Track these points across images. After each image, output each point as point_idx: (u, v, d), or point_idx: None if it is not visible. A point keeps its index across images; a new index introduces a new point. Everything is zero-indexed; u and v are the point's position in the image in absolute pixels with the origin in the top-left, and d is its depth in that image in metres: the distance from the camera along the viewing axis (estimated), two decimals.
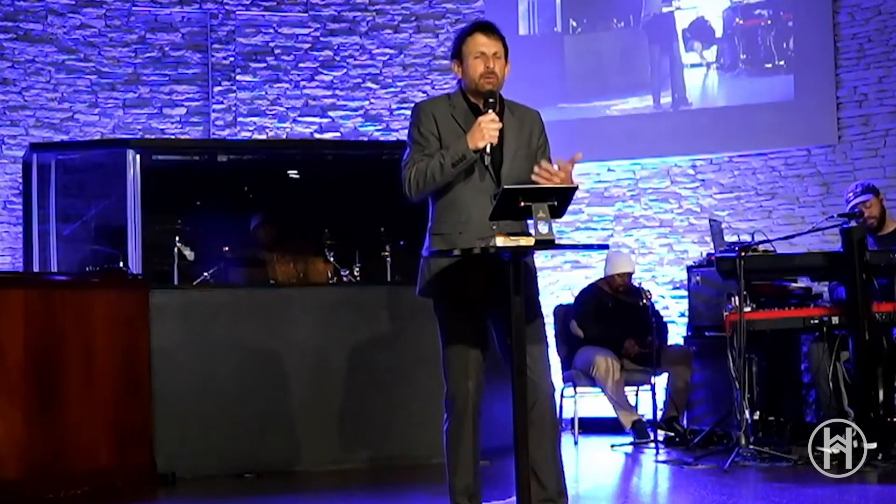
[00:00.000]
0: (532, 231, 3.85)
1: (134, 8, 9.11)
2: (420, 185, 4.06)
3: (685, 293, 7.85)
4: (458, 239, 4.06)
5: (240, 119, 9.19)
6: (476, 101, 4.15)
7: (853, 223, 6.51)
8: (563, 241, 3.88)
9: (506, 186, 3.86)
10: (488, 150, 4.01)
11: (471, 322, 4.16)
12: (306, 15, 9.38)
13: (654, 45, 9.06)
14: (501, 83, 4.14)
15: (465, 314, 4.15)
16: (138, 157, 7.12)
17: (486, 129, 3.98)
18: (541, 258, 8.59)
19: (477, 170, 4.08)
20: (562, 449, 4.29)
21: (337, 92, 9.34)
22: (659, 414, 7.40)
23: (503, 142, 4.10)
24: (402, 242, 7.71)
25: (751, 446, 6.18)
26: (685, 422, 7.40)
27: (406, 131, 4.27)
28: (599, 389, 7.40)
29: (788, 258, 6.79)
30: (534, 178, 3.96)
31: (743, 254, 6.27)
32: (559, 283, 9.00)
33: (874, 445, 5.79)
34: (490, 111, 4.02)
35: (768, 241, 6.66)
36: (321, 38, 9.38)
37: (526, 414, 3.90)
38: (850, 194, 6.89)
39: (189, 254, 7.25)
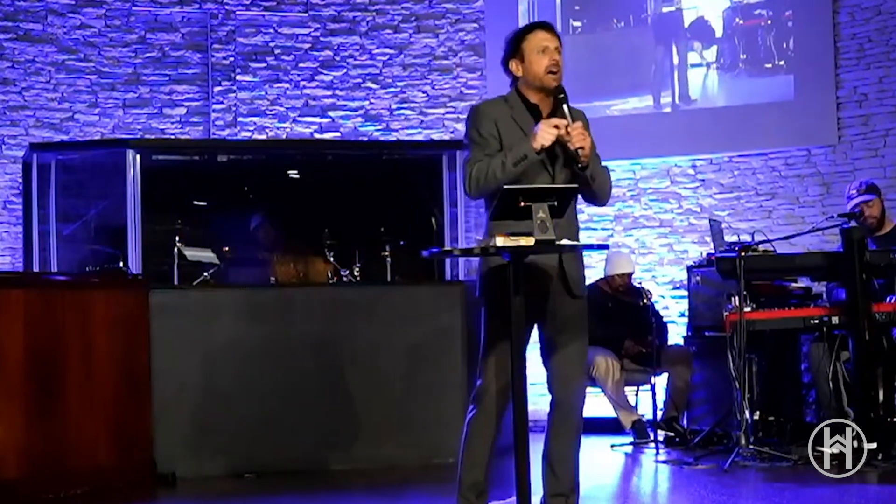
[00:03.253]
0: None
1: (134, 8, 9.11)
2: (481, 183, 4.04)
3: (685, 293, 7.85)
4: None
5: (240, 119, 9.19)
6: (535, 101, 4.15)
7: (853, 223, 6.51)
8: (563, 242, 3.87)
9: (505, 186, 3.87)
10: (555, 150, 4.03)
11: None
12: (306, 15, 9.38)
13: (654, 46, 9.06)
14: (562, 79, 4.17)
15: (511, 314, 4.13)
16: (138, 157, 7.13)
17: (546, 132, 3.97)
18: None
19: (531, 168, 4.07)
20: (580, 450, 4.30)
21: (337, 92, 9.34)
22: (659, 414, 7.39)
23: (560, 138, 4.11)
24: (402, 242, 7.72)
25: (751, 446, 6.19)
26: (685, 422, 7.40)
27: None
28: (599, 389, 7.39)
29: (788, 258, 6.79)
30: (568, 139, 3.98)
31: (743, 254, 6.27)
32: None
33: (874, 445, 5.80)
34: (552, 118, 4.03)
35: (768, 241, 6.66)
36: (321, 38, 9.38)
37: (526, 414, 3.91)
38: (854, 191, 6.88)
39: (191, 254, 7.25)
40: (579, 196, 4.24)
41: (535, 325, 4.23)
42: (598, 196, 4.25)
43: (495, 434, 4.22)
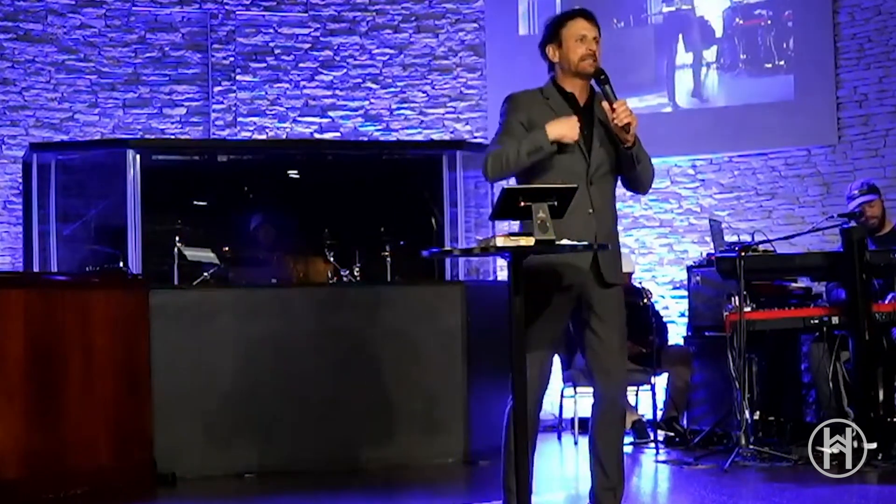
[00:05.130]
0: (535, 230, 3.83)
1: (134, 8, 9.11)
2: (496, 169, 4.03)
3: (685, 293, 7.85)
4: (558, 225, 3.92)
5: (240, 119, 9.19)
6: (571, 89, 4.15)
7: (853, 223, 6.52)
8: (563, 242, 3.87)
9: (505, 186, 3.87)
10: (575, 143, 4.01)
11: (557, 313, 4.15)
12: (306, 15, 9.38)
13: (655, 46, 9.06)
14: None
15: (555, 304, 4.13)
16: (138, 157, 7.12)
17: (568, 126, 3.97)
18: None
19: (569, 152, 4.07)
20: (623, 439, 4.33)
21: (337, 92, 9.34)
22: (659, 414, 7.40)
23: (597, 123, 4.12)
24: (402, 242, 7.72)
25: (751, 446, 6.19)
26: (685, 422, 7.40)
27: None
28: None
29: (788, 258, 6.79)
30: (613, 116, 3.98)
31: (743, 254, 6.27)
32: None
33: (874, 445, 5.80)
34: (574, 116, 4.03)
35: (768, 241, 6.67)
36: (321, 38, 9.38)
37: (526, 414, 3.91)
38: (856, 191, 6.88)
39: (191, 254, 7.24)
40: (619, 184, 4.23)
41: (570, 320, 4.21)
42: (642, 181, 4.23)
43: (535, 427, 4.19)
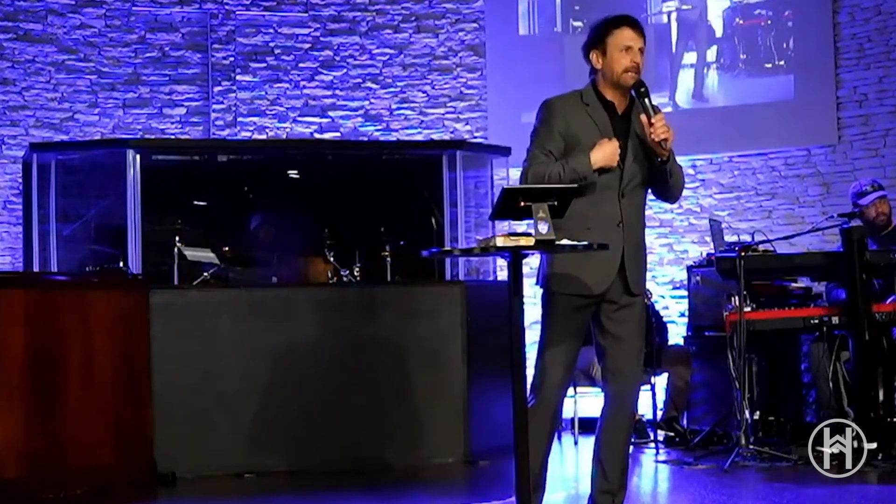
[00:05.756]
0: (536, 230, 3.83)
1: (134, 8, 9.11)
2: None
3: (685, 293, 7.85)
4: (586, 235, 4.00)
5: (240, 119, 9.19)
6: (611, 98, 4.14)
7: (854, 223, 6.52)
8: (562, 242, 3.87)
9: (505, 186, 3.88)
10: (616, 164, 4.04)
11: (581, 316, 4.16)
12: (306, 15, 9.38)
13: (654, 46, 9.05)
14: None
15: (579, 309, 4.14)
16: (138, 157, 7.12)
17: (612, 154, 4.00)
18: None
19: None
20: (630, 445, 4.34)
21: (337, 92, 9.34)
22: (659, 414, 7.40)
23: (632, 134, 4.12)
24: (402, 242, 7.71)
25: (751, 446, 6.20)
26: (685, 422, 7.40)
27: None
28: (599, 389, 7.38)
29: (788, 258, 6.80)
30: (651, 130, 3.99)
31: (743, 254, 6.27)
32: None
33: (874, 445, 5.81)
34: (614, 139, 4.04)
35: (768, 241, 6.67)
36: (321, 38, 9.38)
37: (526, 413, 3.91)
38: (868, 187, 6.87)
39: (191, 254, 7.24)
40: (650, 193, 4.24)
41: (591, 322, 4.23)
42: (673, 193, 4.28)
43: (552, 426, 4.21)
